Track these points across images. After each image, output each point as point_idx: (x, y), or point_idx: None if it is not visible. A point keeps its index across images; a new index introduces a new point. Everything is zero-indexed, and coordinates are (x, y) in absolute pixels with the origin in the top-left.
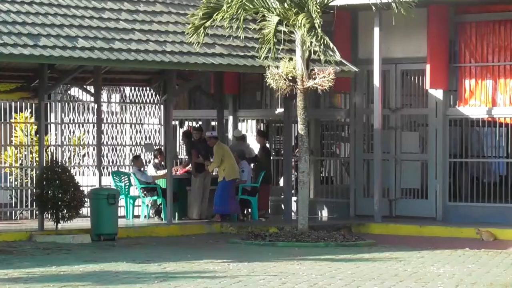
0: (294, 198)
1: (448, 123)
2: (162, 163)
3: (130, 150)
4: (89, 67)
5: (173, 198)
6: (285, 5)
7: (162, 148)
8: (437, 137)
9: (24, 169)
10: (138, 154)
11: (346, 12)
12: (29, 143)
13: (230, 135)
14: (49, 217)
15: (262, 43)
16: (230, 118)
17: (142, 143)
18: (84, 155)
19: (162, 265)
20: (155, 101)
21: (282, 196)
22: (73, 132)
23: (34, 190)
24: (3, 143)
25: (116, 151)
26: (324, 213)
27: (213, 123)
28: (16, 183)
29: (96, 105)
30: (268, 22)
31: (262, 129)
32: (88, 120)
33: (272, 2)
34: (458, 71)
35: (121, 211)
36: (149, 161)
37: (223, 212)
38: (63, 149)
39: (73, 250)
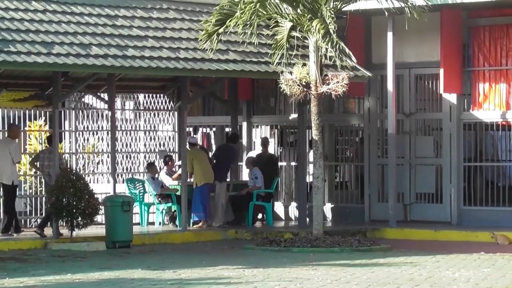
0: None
1: (462, 127)
2: (173, 169)
3: (144, 157)
4: (103, 75)
5: (187, 204)
6: (298, 10)
7: (172, 154)
8: (452, 141)
9: (38, 177)
10: (152, 161)
11: (359, 17)
12: None
13: (244, 141)
14: (64, 224)
15: (275, 49)
16: (244, 124)
17: (156, 150)
18: (98, 163)
19: (177, 272)
20: (169, 108)
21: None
22: (87, 139)
23: (48, 198)
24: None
25: (130, 158)
26: (339, 218)
27: (227, 129)
28: (30, 191)
29: (110, 112)
30: (281, 28)
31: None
32: (102, 127)
33: (285, 8)
34: (472, 75)
35: (136, 218)
36: (163, 168)
37: (199, 218)
38: (77, 156)
39: (88, 257)
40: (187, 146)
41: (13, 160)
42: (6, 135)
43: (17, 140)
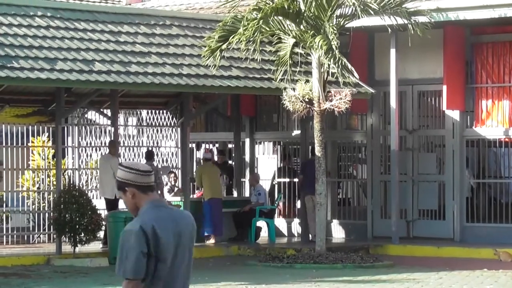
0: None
1: (465, 144)
2: (176, 184)
3: None
4: (106, 91)
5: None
6: (301, 27)
7: (175, 171)
8: (454, 158)
9: (41, 192)
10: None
11: (362, 34)
12: (46, 167)
13: (247, 157)
14: (67, 240)
15: (278, 65)
16: (247, 141)
17: (159, 166)
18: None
19: None
20: (172, 124)
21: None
22: (90, 155)
23: (51, 213)
24: (20, 167)
25: None
26: (342, 235)
27: (229, 145)
28: (33, 207)
29: (113, 129)
30: (284, 44)
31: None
32: (105, 143)
33: (288, 24)
34: (475, 91)
35: None
36: (166, 184)
37: (208, 233)
38: (80, 172)
39: (90, 273)
40: (201, 161)
41: (115, 175)
42: (107, 152)
43: (117, 155)
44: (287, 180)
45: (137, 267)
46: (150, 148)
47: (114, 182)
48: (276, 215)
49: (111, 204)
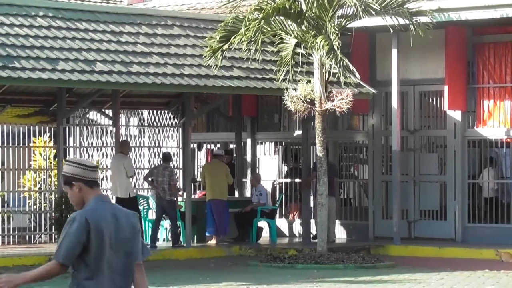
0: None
1: (466, 144)
2: (177, 185)
3: (134, 171)
4: (107, 91)
5: (191, 221)
6: (303, 27)
7: (177, 171)
8: (456, 158)
9: (43, 193)
10: (143, 178)
11: (364, 34)
12: (48, 167)
13: (248, 157)
14: None
15: (280, 66)
16: (249, 141)
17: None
18: (102, 179)
19: None
20: (173, 124)
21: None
22: (92, 155)
23: (53, 214)
24: (22, 167)
25: (134, 174)
26: (343, 235)
27: (231, 145)
28: (35, 207)
29: (114, 129)
30: (286, 45)
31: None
32: (106, 143)
33: (289, 24)
34: (476, 92)
35: None
36: None
37: (209, 233)
38: None
39: None
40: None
41: (127, 174)
42: (119, 151)
43: (128, 155)
44: (288, 180)
45: (68, 254)
46: (166, 150)
47: (127, 181)
48: (291, 216)
49: (124, 204)
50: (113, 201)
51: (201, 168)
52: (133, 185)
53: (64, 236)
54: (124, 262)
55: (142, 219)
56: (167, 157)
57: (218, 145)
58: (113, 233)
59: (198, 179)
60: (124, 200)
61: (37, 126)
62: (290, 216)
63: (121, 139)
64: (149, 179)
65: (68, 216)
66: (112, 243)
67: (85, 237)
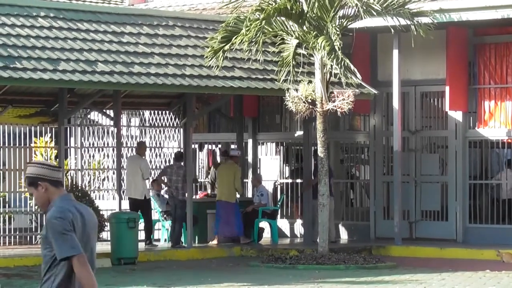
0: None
1: (468, 144)
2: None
3: (150, 173)
4: (109, 91)
5: (193, 221)
6: (304, 28)
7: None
8: (457, 159)
9: None
10: (156, 177)
11: (365, 35)
12: None
13: (250, 158)
14: None
15: (281, 66)
16: (250, 141)
17: (162, 167)
18: (104, 179)
19: None
20: (175, 125)
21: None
22: (93, 156)
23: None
24: (23, 168)
25: (150, 176)
26: (344, 236)
27: (232, 146)
28: (36, 207)
29: (115, 129)
30: (287, 45)
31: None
32: (107, 144)
33: (291, 25)
34: (478, 92)
35: (141, 235)
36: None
37: (214, 233)
38: (83, 173)
39: None
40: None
41: (143, 176)
42: (135, 153)
43: (145, 156)
44: (290, 181)
45: (78, 244)
46: (179, 150)
47: (143, 182)
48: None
49: (138, 205)
50: (126, 202)
51: (212, 168)
52: (148, 187)
53: (54, 237)
54: (90, 258)
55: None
56: (178, 157)
57: (220, 146)
58: (82, 229)
59: (200, 180)
60: (138, 202)
61: (38, 127)
62: (295, 216)
63: (138, 140)
64: (162, 177)
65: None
66: (81, 239)
67: (73, 230)
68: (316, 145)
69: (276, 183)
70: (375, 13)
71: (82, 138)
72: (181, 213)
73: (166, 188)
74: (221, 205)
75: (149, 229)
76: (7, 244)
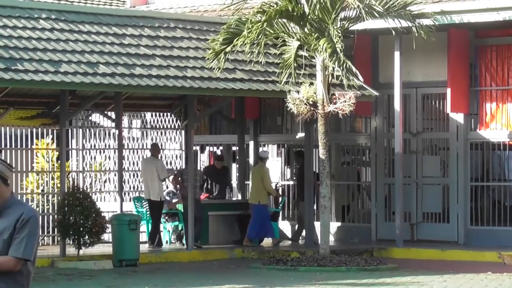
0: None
1: (469, 146)
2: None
3: (166, 173)
4: (110, 93)
5: (195, 223)
6: (306, 30)
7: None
8: (458, 161)
9: (45, 195)
10: (176, 173)
11: (366, 36)
12: (50, 169)
13: (251, 160)
14: (71, 243)
15: (282, 68)
16: (251, 143)
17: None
18: (105, 181)
19: None
20: (176, 127)
21: None
22: (94, 158)
23: (55, 216)
24: (24, 169)
25: (137, 176)
26: (346, 238)
27: (234, 148)
28: (37, 209)
29: (117, 131)
30: (288, 47)
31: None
32: (109, 145)
33: (292, 27)
34: (479, 94)
35: (143, 237)
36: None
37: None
38: (84, 175)
39: (95, 276)
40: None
41: (159, 177)
42: (150, 154)
43: (160, 157)
44: (291, 183)
45: (34, 253)
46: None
47: (160, 185)
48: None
49: (155, 206)
50: (128, 203)
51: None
52: (163, 189)
53: (31, 235)
54: None
55: (145, 222)
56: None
57: (221, 148)
58: None
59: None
60: (155, 203)
61: (39, 128)
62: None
63: (152, 142)
64: (179, 179)
65: (71, 218)
66: None
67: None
68: (317, 147)
69: (278, 185)
70: (376, 15)
71: (84, 140)
72: (197, 214)
73: (180, 189)
74: (251, 207)
75: (156, 230)
76: None
